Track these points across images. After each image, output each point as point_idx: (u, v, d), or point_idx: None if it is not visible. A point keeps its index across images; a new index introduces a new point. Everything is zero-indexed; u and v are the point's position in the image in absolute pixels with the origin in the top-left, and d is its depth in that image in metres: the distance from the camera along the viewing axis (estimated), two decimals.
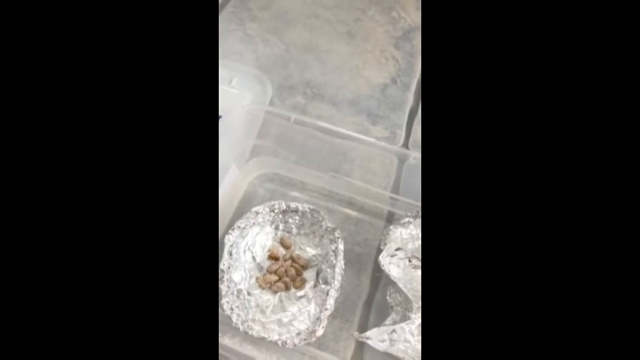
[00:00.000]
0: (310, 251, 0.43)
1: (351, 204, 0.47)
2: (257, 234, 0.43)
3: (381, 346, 0.36)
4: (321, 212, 0.42)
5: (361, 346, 0.39)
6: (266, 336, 0.35)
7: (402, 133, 0.54)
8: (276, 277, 0.40)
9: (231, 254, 0.40)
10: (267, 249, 0.43)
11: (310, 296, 0.40)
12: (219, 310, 0.36)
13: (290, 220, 0.44)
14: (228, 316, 0.36)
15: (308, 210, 0.43)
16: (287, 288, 0.40)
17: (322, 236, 0.42)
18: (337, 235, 0.41)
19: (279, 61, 0.61)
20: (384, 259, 0.40)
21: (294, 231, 0.44)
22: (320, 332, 0.36)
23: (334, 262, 0.39)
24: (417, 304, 0.37)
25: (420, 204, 0.44)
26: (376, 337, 0.36)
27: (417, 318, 0.37)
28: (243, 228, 0.42)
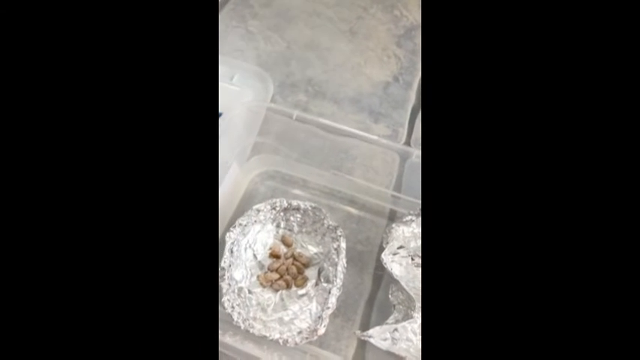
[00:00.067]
0: (312, 249, 0.43)
1: (352, 202, 0.47)
2: (258, 232, 0.43)
3: (383, 345, 0.35)
4: (323, 210, 0.42)
5: (363, 345, 0.38)
6: (267, 335, 0.35)
7: (404, 131, 0.54)
8: (277, 276, 0.40)
9: (232, 252, 0.40)
10: (268, 247, 0.43)
11: (312, 295, 0.39)
12: (221, 308, 0.36)
13: (291, 218, 0.43)
14: (229, 314, 0.36)
15: (310, 208, 0.42)
16: (288, 286, 0.40)
17: (324, 234, 0.42)
18: (339, 234, 0.40)
19: (281, 59, 0.61)
20: (386, 258, 0.39)
21: (296, 229, 0.43)
22: (322, 331, 0.35)
23: (336, 260, 0.39)
24: (420, 302, 0.37)
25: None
26: (378, 336, 0.36)
27: (419, 317, 0.36)
28: (245, 226, 0.41)
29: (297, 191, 0.48)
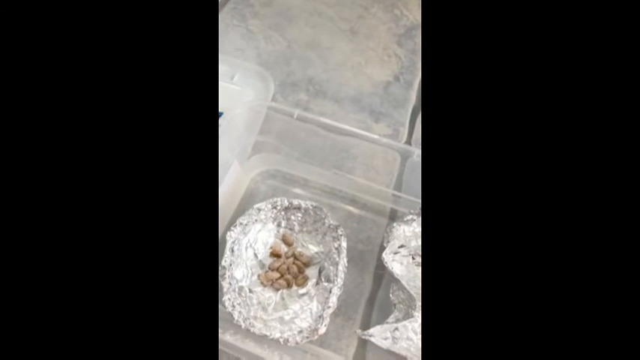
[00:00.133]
0: (313, 249, 0.42)
1: (353, 201, 0.47)
2: (259, 231, 0.43)
3: (384, 344, 0.35)
4: (324, 209, 0.42)
5: (364, 344, 0.38)
6: (268, 334, 0.35)
7: (404, 131, 0.54)
8: (278, 275, 0.40)
9: (232, 251, 0.40)
10: (269, 246, 0.43)
11: (312, 294, 0.39)
12: (221, 307, 0.36)
13: (292, 217, 0.43)
14: (229, 313, 0.36)
15: (310, 207, 0.42)
16: (289, 285, 0.40)
17: (325, 234, 0.42)
18: (340, 233, 0.40)
19: (282, 58, 0.61)
20: (387, 257, 0.39)
21: (297, 228, 0.43)
22: (322, 330, 0.35)
23: (337, 259, 0.39)
24: (420, 301, 0.37)
25: None
26: (379, 335, 0.36)
27: (420, 316, 0.36)
28: (245, 225, 0.41)
29: (298, 190, 0.47)
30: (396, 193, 0.46)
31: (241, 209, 0.45)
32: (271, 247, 0.42)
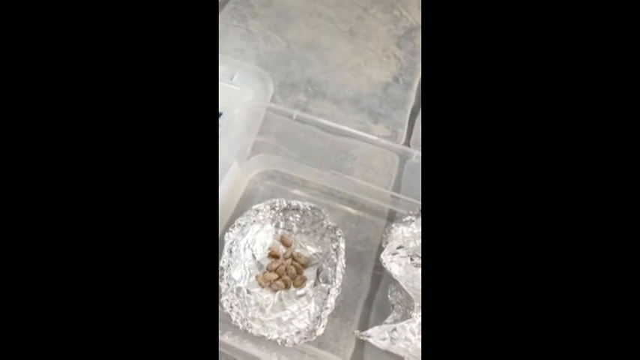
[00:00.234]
0: (311, 250, 0.42)
1: (352, 202, 0.47)
2: (257, 232, 0.43)
3: (382, 345, 0.35)
4: (322, 210, 0.42)
5: (362, 345, 0.38)
6: (265, 335, 0.35)
7: (403, 132, 0.54)
8: (276, 276, 0.40)
9: (231, 252, 0.40)
10: (267, 247, 0.43)
11: (310, 295, 0.39)
12: (219, 308, 0.36)
13: (291, 218, 0.43)
14: (227, 314, 0.36)
15: (309, 208, 0.42)
16: (287, 286, 0.40)
17: (323, 235, 0.42)
18: (338, 234, 0.40)
19: (281, 59, 0.61)
20: (385, 258, 0.39)
21: (295, 229, 0.43)
22: (320, 331, 0.35)
23: (335, 260, 0.39)
24: (418, 302, 0.37)
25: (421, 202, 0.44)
26: (377, 336, 0.36)
27: (418, 316, 0.36)
28: (244, 226, 0.41)
29: (296, 191, 0.47)
30: (394, 194, 0.46)
31: (240, 210, 0.45)
32: (269, 248, 0.42)
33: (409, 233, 0.42)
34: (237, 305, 0.37)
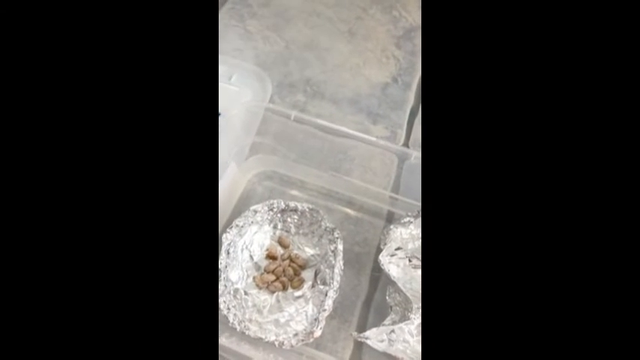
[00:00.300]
0: (309, 251, 0.42)
1: (350, 203, 0.47)
2: (255, 233, 0.43)
3: (380, 346, 0.35)
4: (321, 212, 0.42)
5: (360, 347, 0.38)
6: (263, 336, 0.35)
7: (402, 133, 0.53)
8: (273, 277, 0.40)
9: (228, 253, 0.39)
10: (265, 248, 0.42)
11: (308, 296, 0.39)
12: None
13: (289, 220, 0.43)
14: (225, 315, 0.36)
15: (307, 209, 0.42)
16: (284, 288, 0.40)
17: (321, 236, 0.42)
18: (336, 236, 0.40)
19: (279, 59, 0.61)
20: (383, 259, 0.39)
21: (293, 230, 0.43)
22: (318, 333, 0.35)
23: (333, 262, 0.39)
24: (417, 304, 0.37)
25: (419, 204, 0.44)
26: (375, 337, 0.36)
27: (416, 318, 0.36)
28: (242, 227, 0.41)
29: (294, 192, 0.47)
30: (393, 195, 0.46)
31: (238, 211, 0.45)
32: (267, 250, 0.42)
33: (408, 235, 0.42)
34: (234, 307, 0.37)
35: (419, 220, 0.42)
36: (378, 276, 0.42)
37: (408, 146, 0.52)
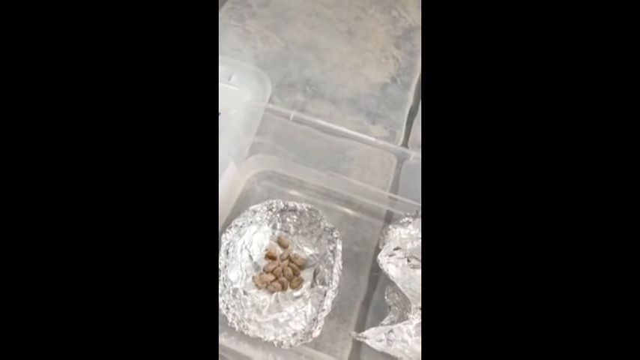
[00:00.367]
0: (308, 251, 0.42)
1: (349, 203, 0.47)
2: (254, 233, 0.43)
3: (379, 346, 0.35)
4: (320, 212, 0.42)
5: (358, 346, 0.38)
6: (262, 336, 0.35)
7: (401, 133, 0.54)
8: (272, 277, 0.40)
9: (227, 253, 0.40)
10: (264, 248, 0.43)
11: (307, 296, 0.39)
12: None
13: (288, 220, 0.43)
14: (224, 315, 0.36)
15: (306, 209, 0.42)
16: (283, 288, 0.40)
17: (320, 236, 0.42)
18: (335, 236, 0.40)
19: (279, 59, 0.61)
20: (382, 259, 0.39)
21: (292, 230, 0.43)
22: (316, 333, 0.35)
23: (332, 262, 0.39)
24: (415, 304, 0.37)
25: (419, 204, 0.44)
26: (373, 337, 0.36)
27: (414, 318, 0.36)
28: (241, 227, 0.41)
29: (293, 192, 0.47)
30: (392, 195, 0.46)
31: (237, 211, 0.45)
32: (266, 250, 0.42)
33: (406, 235, 0.42)
34: (233, 306, 0.37)
35: (417, 220, 0.42)
36: (377, 276, 0.42)
37: (407, 146, 0.52)
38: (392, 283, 0.39)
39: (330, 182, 0.47)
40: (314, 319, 0.36)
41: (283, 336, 0.36)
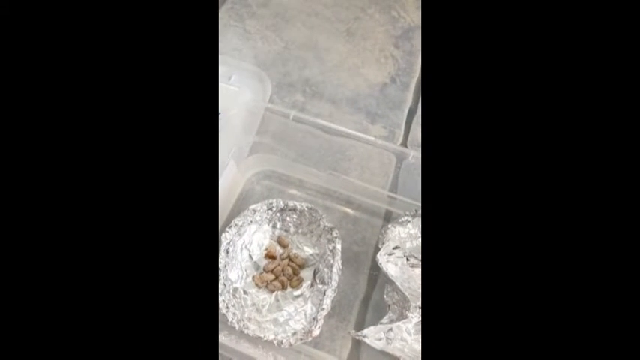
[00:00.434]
0: (307, 250, 0.43)
1: (349, 202, 0.47)
2: (254, 232, 0.43)
3: (378, 345, 0.36)
4: (319, 211, 0.42)
5: (358, 345, 0.39)
6: (262, 335, 0.35)
7: (400, 133, 0.54)
8: (272, 276, 0.40)
9: (227, 252, 0.40)
10: (264, 247, 0.43)
11: (307, 296, 0.40)
12: None
13: (288, 219, 0.43)
14: (224, 314, 0.36)
15: (306, 209, 0.42)
16: (283, 287, 0.40)
17: (320, 235, 0.42)
18: (335, 235, 0.40)
19: (278, 59, 0.61)
20: (381, 258, 0.40)
21: (292, 230, 0.44)
22: (316, 332, 0.35)
23: (332, 261, 0.39)
24: (414, 302, 0.37)
25: (418, 203, 0.44)
26: (373, 336, 0.36)
27: (413, 317, 0.37)
28: (241, 226, 0.41)
29: (293, 191, 0.48)
30: (391, 194, 0.47)
31: (237, 210, 0.45)
32: (266, 249, 0.42)
33: (405, 234, 0.42)
34: (233, 306, 0.37)
35: (417, 220, 0.42)
36: (376, 275, 0.42)
37: (406, 146, 0.52)
38: (391, 282, 0.39)
39: (329, 182, 0.47)
40: (314, 318, 0.36)
41: (283, 335, 0.36)
